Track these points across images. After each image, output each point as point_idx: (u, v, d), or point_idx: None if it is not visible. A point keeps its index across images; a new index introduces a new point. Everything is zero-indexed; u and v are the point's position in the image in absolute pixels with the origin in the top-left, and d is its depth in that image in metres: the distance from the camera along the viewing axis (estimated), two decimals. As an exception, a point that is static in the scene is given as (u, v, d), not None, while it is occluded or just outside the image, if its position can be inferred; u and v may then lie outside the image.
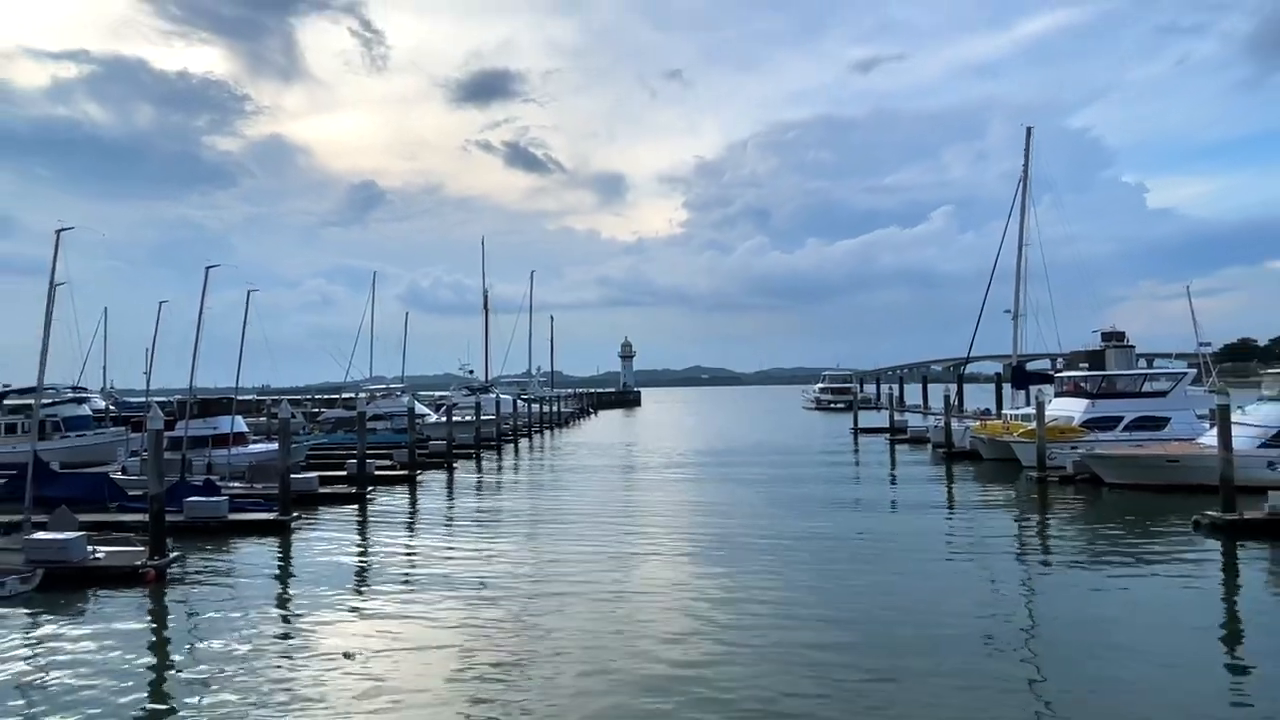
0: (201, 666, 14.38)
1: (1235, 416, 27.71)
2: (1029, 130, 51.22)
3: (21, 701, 12.89)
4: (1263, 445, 29.89)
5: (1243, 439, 28.50)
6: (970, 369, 69.94)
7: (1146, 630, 16.14)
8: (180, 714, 12.48)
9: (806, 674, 13.52)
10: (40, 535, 20.51)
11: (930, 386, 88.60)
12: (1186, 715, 11.96)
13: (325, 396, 77.62)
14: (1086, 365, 45.15)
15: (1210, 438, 29.18)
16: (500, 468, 48.70)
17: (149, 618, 17.68)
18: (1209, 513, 23.91)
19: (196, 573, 21.30)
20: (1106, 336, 46.25)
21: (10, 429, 45.25)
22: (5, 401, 47.61)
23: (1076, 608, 18.26)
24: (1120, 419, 38.14)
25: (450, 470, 44.12)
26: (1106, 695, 12.65)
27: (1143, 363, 46.89)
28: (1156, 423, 37.56)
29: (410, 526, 29.45)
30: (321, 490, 32.65)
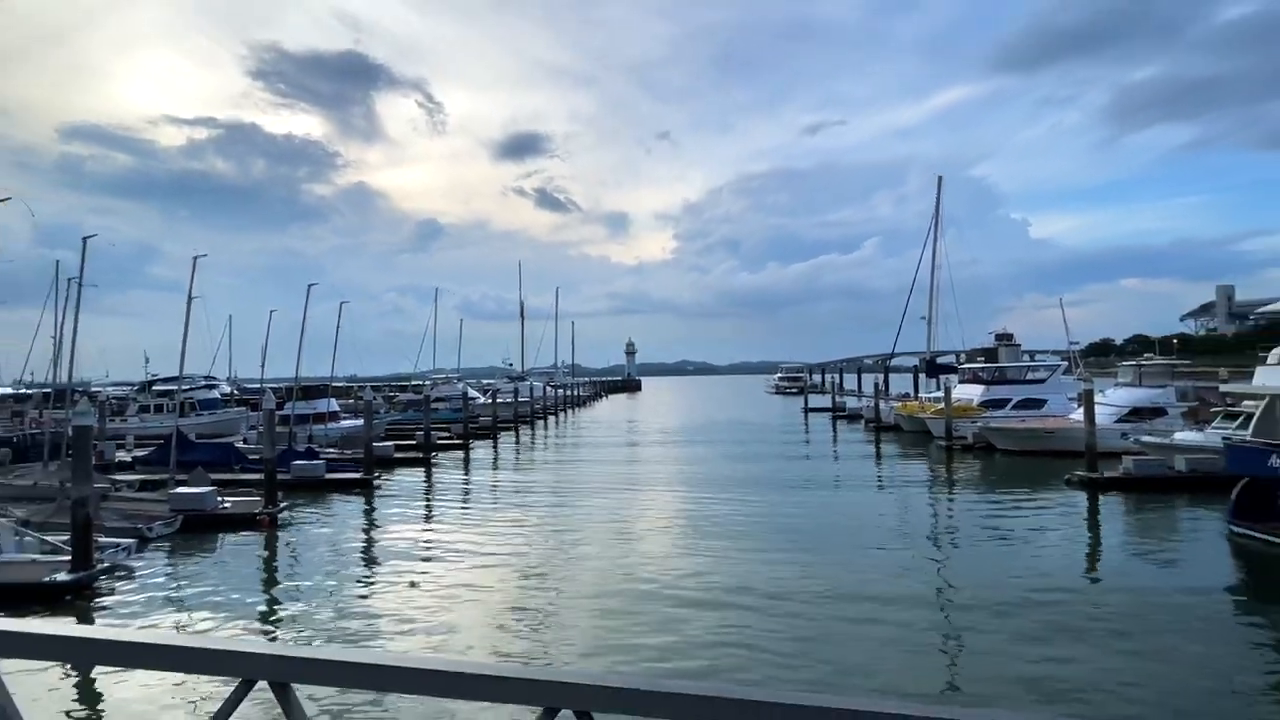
0: (304, 590, 14.44)
1: (1097, 398, 27.64)
2: (939, 179, 51.01)
3: (167, 615, 12.95)
4: (1118, 420, 29.78)
5: (1103, 415, 28.42)
6: (894, 362, 69.58)
7: (1028, 554, 16.53)
8: (285, 625, 12.53)
9: (757, 566, 13.79)
10: (181, 490, 20.51)
11: (863, 376, 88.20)
12: (1055, 603, 12.56)
13: (398, 384, 77.22)
14: (983, 359, 45.08)
15: (1078, 415, 29.05)
16: (534, 437, 48.64)
17: (265, 553, 17.69)
18: (1077, 472, 23.86)
19: (301, 519, 21.28)
20: (999, 337, 46.17)
21: (158, 408, 45.08)
22: (153, 387, 47.53)
23: (974, 537, 18.42)
24: (1009, 400, 37.96)
25: (495, 440, 44.05)
26: (995, 593, 13.19)
27: (1027, 357, 46.52)
28: (1037, 403, 37.40)
29: (465, 481, 29.46)
30: (396, 455, 32.60)
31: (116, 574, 14.96)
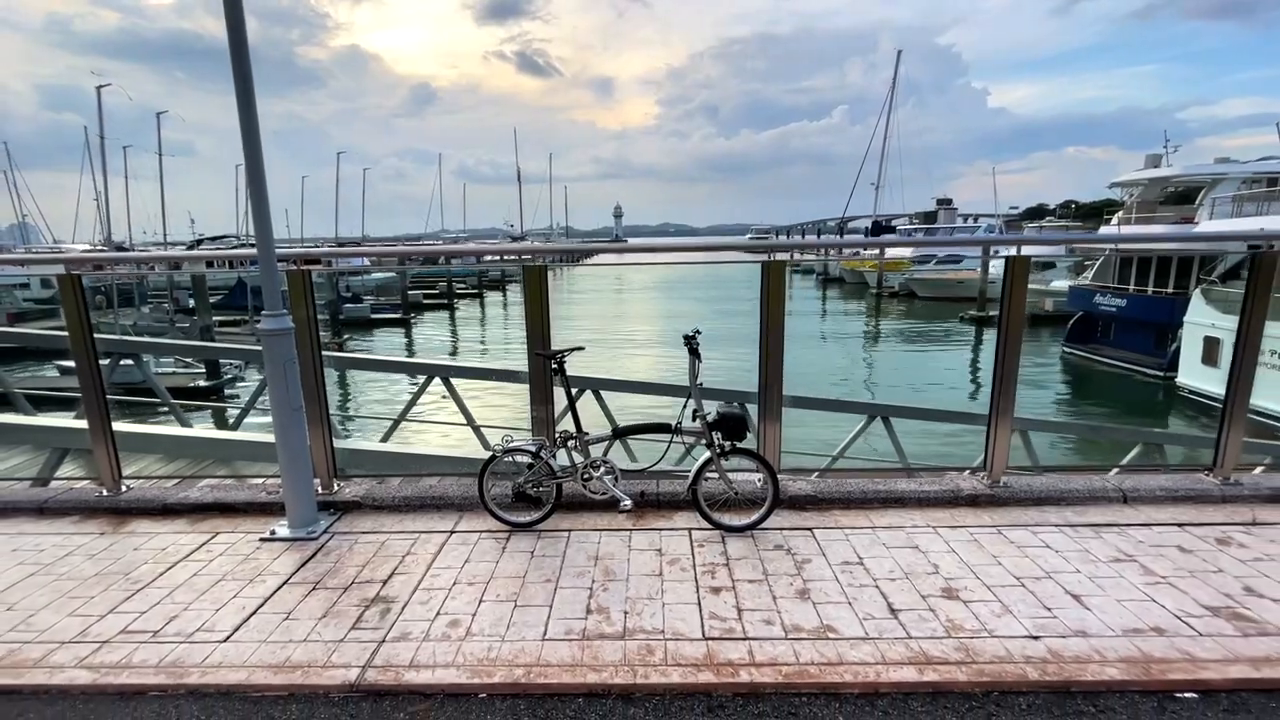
0: (356, 386, 17.71)
1: (1002, 252, 30.39)
2: (899, 54, 50.01)
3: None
4: (1016, 272, 32.74)
5: (1002, 266, 31.31)
6: (852, 225, 71.51)
7: (907, 362, 20.35)
8: (339, 409, 15.83)
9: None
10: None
11: (822, 236, 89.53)
12: (953, 396, 16.17)
13: (412, 243, 78.40)
14: (920, 221, 47.14)
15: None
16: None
17: (335, 371, 20.84)
18: (970, 311, 27.24)
19: (357, 346, 24.40)
20: (940, 202, 48.04)
21: (209, 264, 46.76)
22: (201, 244, 48.86)
23: (896, 354, 22.26)
24: (934, 256, 40.51)
25: (504, 290, 46.68)
26: (906, 392, 16.80)
27: (964, 220, 48.45)
28: (956, 259, 40.00)
29: (481, 320, 32.54)
30: (424, 301, 35.32)
31: (236, 381, 18.12)
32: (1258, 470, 3.70)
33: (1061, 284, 28.12)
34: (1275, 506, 3.26)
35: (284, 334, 3.05)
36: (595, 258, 4.18)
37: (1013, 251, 3.41)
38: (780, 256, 3.35)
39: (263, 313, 3.05)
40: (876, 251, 45.59)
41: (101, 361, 3.45)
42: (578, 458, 3.13)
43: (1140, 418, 15.84)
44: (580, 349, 3.17)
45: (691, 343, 2.97)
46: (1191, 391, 14.82)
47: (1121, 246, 18.61)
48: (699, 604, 2.50)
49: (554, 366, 3.10)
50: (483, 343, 26.92)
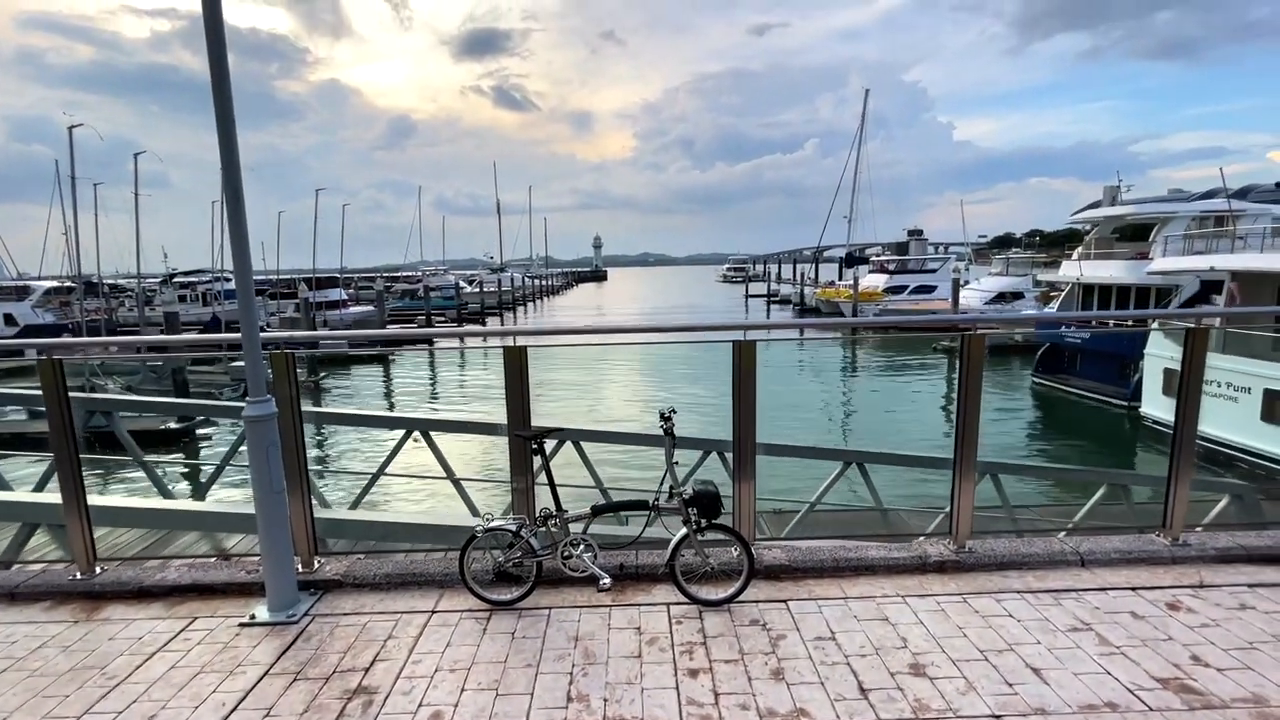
0: (333, 434, 17.48)
1: (973, 284, 31.25)
2: (866, 91, 52.03)
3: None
4: (986, 302, 33.66)
5: (975, 298, 32.26)
6: (829, 254, 73.12)
7: (904, 394, 20.75)
8: (316, 461, 15.65)
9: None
10: (237, 363, 22.97)
11: (798, 266, 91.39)
12: (925, 435, 16.34)
13: (391, 274, 78.06)
14: (894, 251, 48.34)
15: (963, 295, 32.81)
16: (516, 320, 51.27)
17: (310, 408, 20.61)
18: (942, 342, 27.84)
19: (334, 384, 24.11)
20: (911, 233, 49.27)
21: (182, 298, 46.11)
22: (174, 279, 48.13)
23: (872, 383, 22.62)
24: (906, 286, 41.67)
25: (484, 322, 46.57)
26: (882, 423, 17.00)
27: (935, 250, 49.78)
28: (929, 289, 41.13)
29: (461, 355, 32.38)
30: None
31: (207, 424, 17.77)
32: (1198, 529, 3.89)
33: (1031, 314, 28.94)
34: (1220, 568, 3.43)
35: (268, 419, 3.10)
36: (574, 337, 4.29)
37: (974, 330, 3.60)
38: (754, 335, 3.50)
39: (247, 398, 3.09)
40: (850, 283, 46.60)
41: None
42: (557, 535, 3.20)
43: (1107, 445, 16.34)
44: (560, 430, 3.26)
45: (667, 424, 3.08)
46: (1155, 421, 15.32)
47: (1084, 280, 19.34)
48: (677, 688, 2.57)
49: (534, 447, 3.19)
50: (462, 372, 26.79)
